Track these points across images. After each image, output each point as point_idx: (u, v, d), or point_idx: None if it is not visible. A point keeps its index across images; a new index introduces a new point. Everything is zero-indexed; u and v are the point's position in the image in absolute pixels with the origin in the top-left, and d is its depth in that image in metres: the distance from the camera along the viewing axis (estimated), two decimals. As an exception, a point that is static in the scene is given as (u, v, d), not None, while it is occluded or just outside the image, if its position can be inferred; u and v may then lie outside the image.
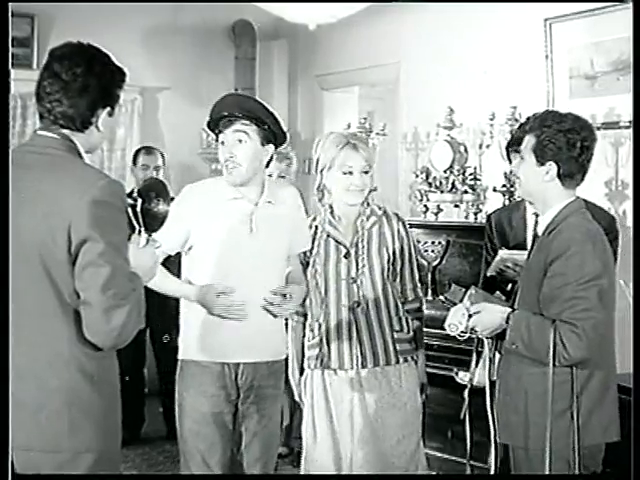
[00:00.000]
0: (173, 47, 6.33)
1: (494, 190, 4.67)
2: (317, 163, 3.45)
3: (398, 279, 3.49)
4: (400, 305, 3.47)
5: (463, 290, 2.97)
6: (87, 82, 2.26)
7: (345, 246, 3.43)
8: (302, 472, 3.51)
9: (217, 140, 3.24)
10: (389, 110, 6.15)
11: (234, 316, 3.12)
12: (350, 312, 3.40)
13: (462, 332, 2.89)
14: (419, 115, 5.51)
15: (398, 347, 3.43)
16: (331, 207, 3.47)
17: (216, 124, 3.20)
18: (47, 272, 2.20)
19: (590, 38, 4.62)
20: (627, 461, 2.73)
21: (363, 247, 3.42)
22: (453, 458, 4.27)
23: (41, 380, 2.22)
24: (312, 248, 3.44)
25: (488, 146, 4.78)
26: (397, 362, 3.42)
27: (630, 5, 3.64)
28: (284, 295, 3.18)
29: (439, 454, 4.37)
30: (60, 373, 2.23)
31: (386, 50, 5.87)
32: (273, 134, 3.20)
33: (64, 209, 2.17)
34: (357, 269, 3.40)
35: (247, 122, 3.15)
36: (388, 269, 3.44)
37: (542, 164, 2.78)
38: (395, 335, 3.43)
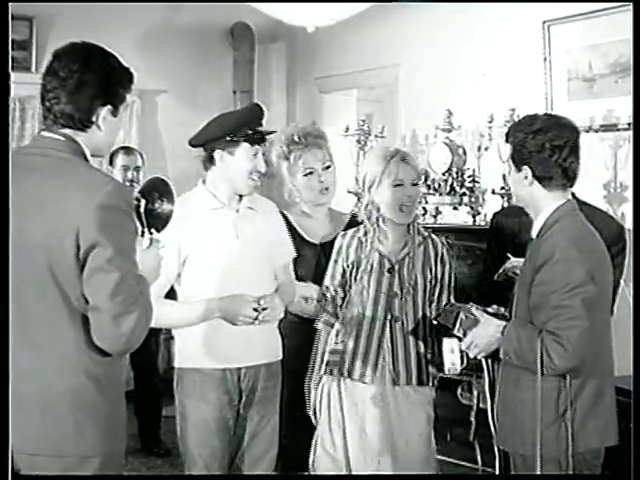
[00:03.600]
0: (171, 50, 6.33)
1: (493, 192, 4.67)
2: (364, 180, 3.36)
3: (435, 304, 3.37)
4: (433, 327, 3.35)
5: (454, 313, 2.96)
6: (83, 78, 2.24)
7: (390, 261, 3.35)
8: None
9: (229, 147, 3.15)
10: (388, 112, 6.15)
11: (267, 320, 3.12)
12: (385, 326, 3.33)
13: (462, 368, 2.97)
14: (417, 117, 5.51)
15: (430, 369, 3.34)
16: (379, 222, 3.37)
17: (255, 136, 3.16)
18: (54, 276, 2.18)
19: (588, 40, 4.63)
20: (627, 463, 2.73)
21: (410, 264, 3.34)
22: (451, 460, 4.27)
23: (48, 384, 2.21)
24: (357, 261, 3.37)
25: (487, 148, 4.78)
26: (420, 384, 3.33)
27: (629, 6, 3.64)
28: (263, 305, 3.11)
29: (437, 456, 4.36)
30: (67, 377, 2.22)
31: (385, 53, 5.87)
32: None
33: (71, 214, 2.15)
34: (402, 285, 3.32)
35: None
36: (431, 290, 3.36)
37: (519, 170, 2.76)
38: (428, 356, 3.34)
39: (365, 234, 3.39)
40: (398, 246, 3.38)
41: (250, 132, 3.13)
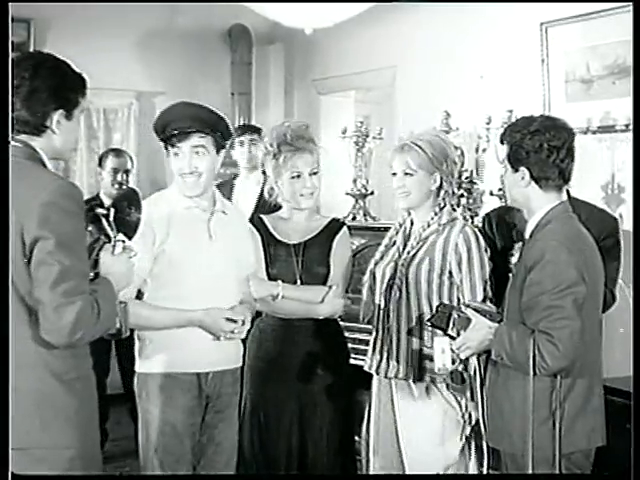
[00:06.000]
0: (169, 52, 6.34)
1: (491, 194, 4.67)
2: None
3: (460, 292, 3.19)
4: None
5: (447, 314, 2.96)
6: (34, 85, 2.35)
7: (399, 250, 3.33)
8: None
9: (167, 149, 3.17)
10: (385, 114, 6.15)
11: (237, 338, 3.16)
12: (384, 316, 3.29)
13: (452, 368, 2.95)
14: (415, 119, 5.49)
15: (425, 364, 3.18)
16: (408, 212, 3.40)
17: (169, 137, 3.13)
18: (12, 277, 2.26)
19: (586, 42, 4.63)
20: (627, 464, 2.73)
21: (409, 254, 3.27)
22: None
23: (10, 381, 2.26)
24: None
25: (484, 150, 4.79)
26: (419, 380, 3.19)
27: (626, 8, 3.65)
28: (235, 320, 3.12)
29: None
30: (28, 373, 2.29)
31: (382, 54, 5.88)
32: (224, 140, 3.19)
33: (18, 213, 2.24)
34: (400, 274, 3.25)
35: (203, 135, 3.10)
36: (440, 283, 3.20)
37: (516, 170, 2.79)
38: (424, 350, 3.18)
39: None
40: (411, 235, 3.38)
41: (158, 133, 3.16)
